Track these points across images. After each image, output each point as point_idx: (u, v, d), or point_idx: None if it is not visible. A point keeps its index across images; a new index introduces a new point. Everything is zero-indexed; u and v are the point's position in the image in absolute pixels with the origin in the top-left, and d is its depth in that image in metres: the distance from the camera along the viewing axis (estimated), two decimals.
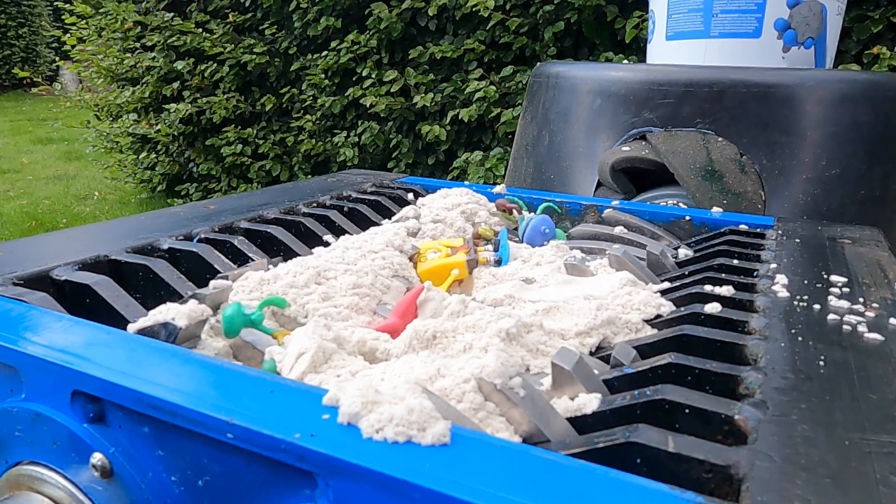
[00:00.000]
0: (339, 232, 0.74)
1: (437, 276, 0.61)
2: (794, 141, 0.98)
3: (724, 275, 0.56)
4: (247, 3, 3.14)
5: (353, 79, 2.84)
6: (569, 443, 0.34)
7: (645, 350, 0.45)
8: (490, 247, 0.71)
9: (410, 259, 0.64)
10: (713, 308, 0.48)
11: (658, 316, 0.51)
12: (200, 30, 3.15)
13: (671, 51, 1.29)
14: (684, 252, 0.68)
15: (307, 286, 0.52)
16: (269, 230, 0.69)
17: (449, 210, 0.77)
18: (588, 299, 0.51)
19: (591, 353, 0.47)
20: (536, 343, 0.45)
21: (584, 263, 0.59)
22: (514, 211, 0.83)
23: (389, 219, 0.83)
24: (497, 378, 0.35)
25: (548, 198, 0.86)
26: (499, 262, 0.65)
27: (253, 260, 0.63)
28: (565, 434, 0.36)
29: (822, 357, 0.40)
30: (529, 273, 0.58)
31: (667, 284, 0.58)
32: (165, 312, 0.44)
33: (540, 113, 1.26)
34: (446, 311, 0.49)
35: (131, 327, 0.44)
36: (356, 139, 2.86)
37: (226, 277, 0.55)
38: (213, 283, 0.51)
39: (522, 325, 0.45)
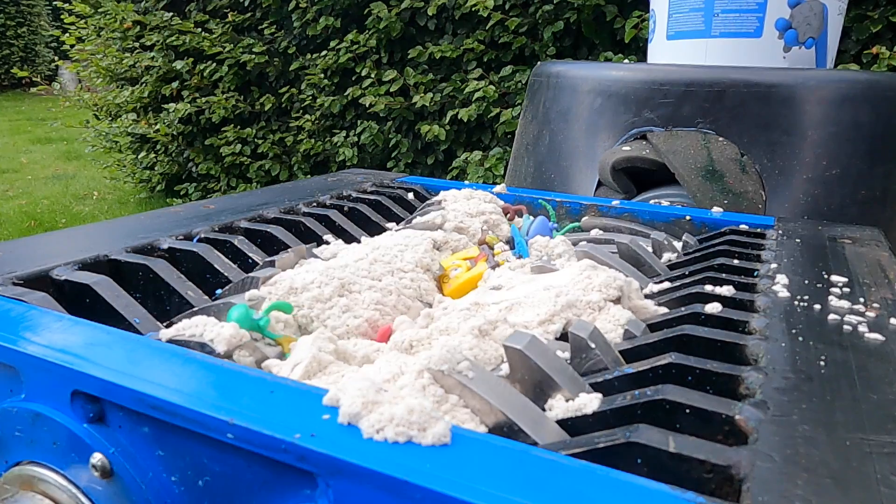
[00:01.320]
0: (339, 231, 0.74)
1: (466, 292, 0.61)
2: (795, 141, 0.98)
3: (724, 275, 0.56)
4: (246, 3, 3.14)
5: (353, 78, 2.84)
6: (569, 442, 0.34)
7: (645, 350, 0.45)
8: (505, 246, 0.71)
9: (437, 279, 0.63)
10: (714, 308, 0.48)
11: (620, 296, 0.50)
12: (199, 29, 3.14)
13: (672, 50, 1.29)
14: (663, 242, 0.67)
15: (331, 299, 0.51)
16: (269, 230, 0.69)
17: (473, 217, 0.76)
18: (548, 289, 0.51)
19: (557, 339, 0.47)
20: (504, 339, 0.45)
21: (549, 264, 0.59)
22: (517, 215, 0.82)
23: (394, 221, 0.83)
24: (444, 364, 0.35)
25: (548, 197, 0.86)
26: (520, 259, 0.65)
27: (252, 260, 0.63)
28: (531, 415, 0.35)
29: (823, 357, 0.40)
30: (496, 281, 0.58)
31: (667, 284, 0.58)
32: (202, 328, 0.42)
33: (540, 112, 1.26)
34: (418, 322, 0.50)
35: (164, 334, 0.43)
36: (355, 139, 2.86)
37: (255, 283, 0.53)
38: (248, 294, 0.49)
39: (489, 323, 0.46)
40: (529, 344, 0.39)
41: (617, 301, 0.50)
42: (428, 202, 0.84)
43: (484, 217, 0.76)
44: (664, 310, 0.52)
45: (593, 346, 0.42)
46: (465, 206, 0.77)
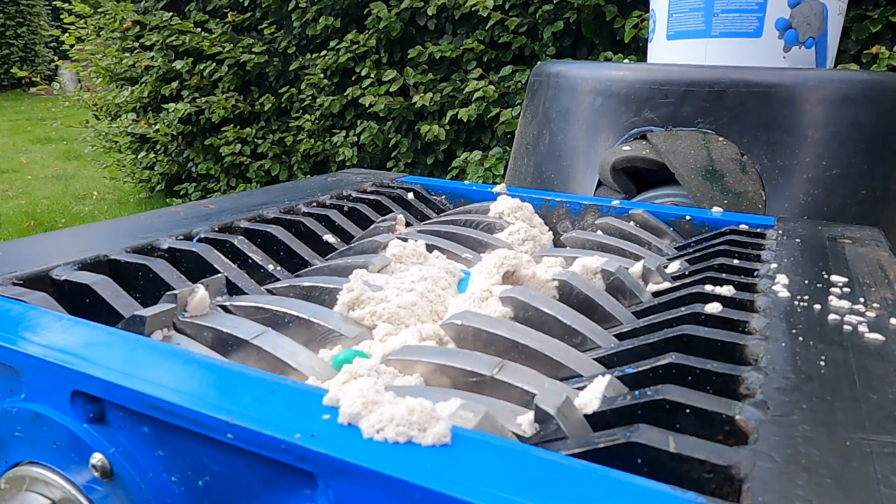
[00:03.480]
0: (339, 232, 0.74)
1: None
2: (795, 141, 0.98)
3: (724, 275, 0.56)
4: (246, 3, 3.13)
5: (353, 78, 2.83)
6: (569, 442, 0.34)
7: (645, 350, 0.45)
8: None
9: None
10: (714, 308, 0.48)
11: (516, 266, 0.54)
12: (199, 29, 3.14)
13: (672, 50, 1.29)
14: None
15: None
16: (269, 230, 0.69)
17: (534, 264, 0.74)
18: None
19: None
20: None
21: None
22: None
23: (396, 221, 0.82)
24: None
25: (548, 197, 0.86)
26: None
27: (251, 260, 0.63)
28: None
29: (823, 357, 0.40)
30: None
31: (667, 284, 0.58)
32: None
33: (540, 112, 1.26)
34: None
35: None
36: (355, 139, 2.86)
37: (377, 246, 0.57)
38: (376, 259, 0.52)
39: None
40: (405, 350, 0.44)
41: (511, 275, 0.54)
42: (485, 216, 0.79)
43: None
44: (550, 273, 0.54)
45: (459, 322, 0.47)
46: (524, 243, 0.74)
